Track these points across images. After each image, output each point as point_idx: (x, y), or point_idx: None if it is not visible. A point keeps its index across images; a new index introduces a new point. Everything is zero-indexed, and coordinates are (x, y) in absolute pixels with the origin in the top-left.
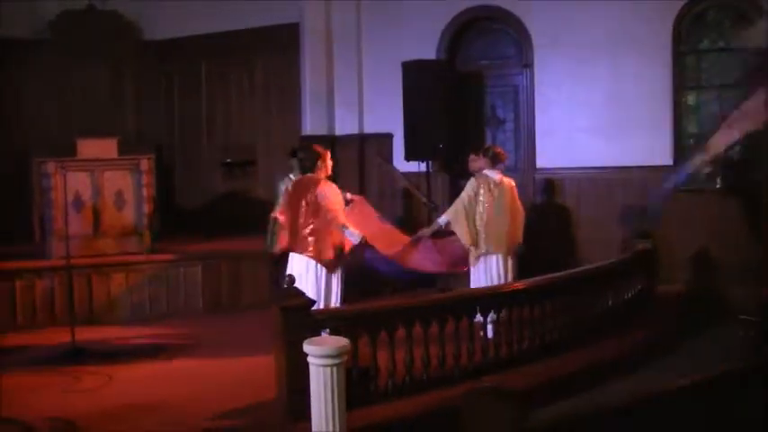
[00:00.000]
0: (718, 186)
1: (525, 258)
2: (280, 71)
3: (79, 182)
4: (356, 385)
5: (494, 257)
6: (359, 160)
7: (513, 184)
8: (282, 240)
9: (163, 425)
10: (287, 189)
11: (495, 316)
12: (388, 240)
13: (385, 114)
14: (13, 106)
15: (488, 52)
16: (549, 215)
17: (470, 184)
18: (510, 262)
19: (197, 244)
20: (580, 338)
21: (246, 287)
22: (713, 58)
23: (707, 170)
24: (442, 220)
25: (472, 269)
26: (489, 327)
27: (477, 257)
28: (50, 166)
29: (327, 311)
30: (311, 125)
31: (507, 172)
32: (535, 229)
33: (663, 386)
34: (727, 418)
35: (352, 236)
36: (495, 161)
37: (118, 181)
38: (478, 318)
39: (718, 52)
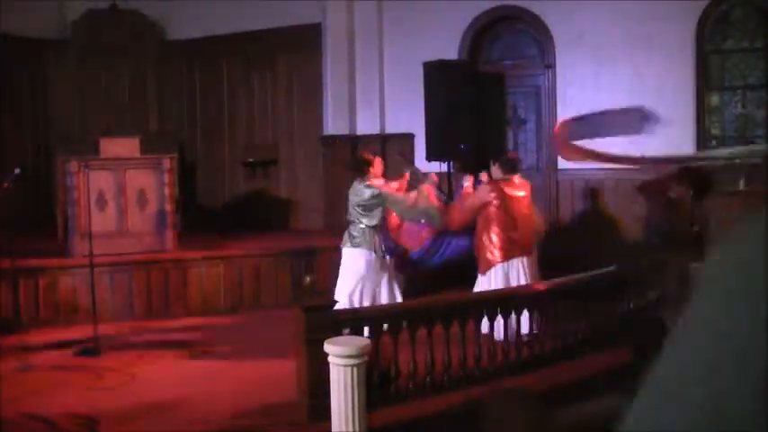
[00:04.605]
0: (741, 188)
1: (548, 259)
2: (302, 71)
3: (102, 181)
4: (377, 385)
5: None
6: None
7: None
8: None
9: (184, 423)
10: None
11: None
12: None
13: (407, 114)
14: (38, 105)
15: (510, 52)
16: (570, 216)
17: None
18: None
19: (219, 243)
20: (600, 341)
21: (268, 287)
22: (737, 59)
23: None
24: None
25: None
26: (498, 329)
27: None
28: (73, 165)
29: (348, 311)
30: (333, 125)
31: (530, 171)
32: (557, 230)
33: None
34: None
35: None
36: None
37: (140, 180)
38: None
39: (743, 52)
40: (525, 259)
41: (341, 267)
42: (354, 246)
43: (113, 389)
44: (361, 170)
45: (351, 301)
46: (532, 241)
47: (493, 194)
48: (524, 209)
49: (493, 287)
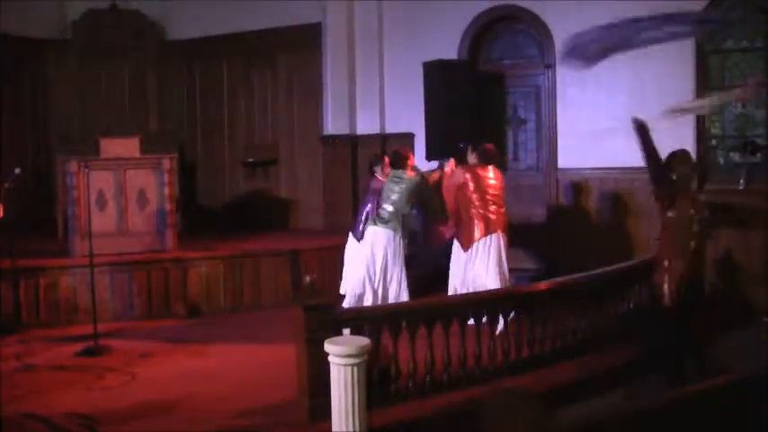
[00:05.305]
0: (741, 187)
1: (547, 259)
2: (302, 71)
3: (102, 181)
4: (377, 385)
5: None
6: None
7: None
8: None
9: (184, 423)
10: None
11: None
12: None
13: (407, 114)
14: (38, 105)
15: (510, 52)
16: (570, 215)
17: None
18: None
19: (219, 243)
20: (601, 341)
21: (268, 287)
22: (737, 58)
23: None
24: None
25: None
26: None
27: None
28: (74, 165)
29: (349, 311)
30: (333, 125)
31: (530, 171)
32: (557, 230)
33: (684, 389)
34: (749, 421)
35: None
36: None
37: (140, 180)
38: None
39: (743, 52)
40: (501, 234)
41: (361, 243)
42: (381, 224)
43: (113, 389)
44: (402, 163)
45: (367, 273)
46: (505, 221)
47: (467, 175)
48: (496, 191)
49: (474, 261)
